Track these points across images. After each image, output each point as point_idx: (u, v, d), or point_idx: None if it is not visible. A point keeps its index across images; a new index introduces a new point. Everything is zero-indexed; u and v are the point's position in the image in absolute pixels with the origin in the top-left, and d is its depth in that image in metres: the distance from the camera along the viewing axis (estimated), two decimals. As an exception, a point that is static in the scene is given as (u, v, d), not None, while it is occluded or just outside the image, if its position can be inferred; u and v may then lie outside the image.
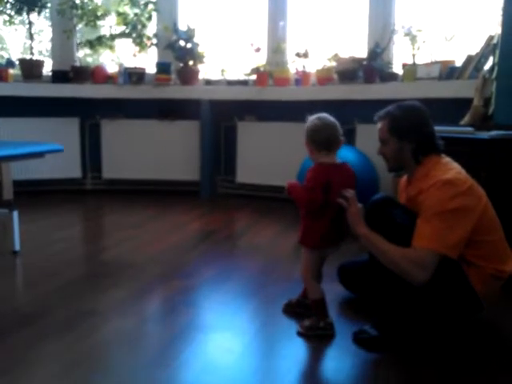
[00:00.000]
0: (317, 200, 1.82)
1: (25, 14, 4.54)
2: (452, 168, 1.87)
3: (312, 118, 1.92)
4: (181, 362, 1.72)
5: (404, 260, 1.77)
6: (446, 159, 1.93)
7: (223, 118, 4.65)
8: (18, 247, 2.86)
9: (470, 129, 2.74)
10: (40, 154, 2.91)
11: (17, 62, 4.59)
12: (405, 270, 1.77)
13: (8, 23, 4.66)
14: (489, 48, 3.24)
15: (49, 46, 5.22)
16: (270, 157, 4.32)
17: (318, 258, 1.94)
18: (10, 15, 4.60)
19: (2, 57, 6.18)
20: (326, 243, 1.91)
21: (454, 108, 3.18)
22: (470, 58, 3.42)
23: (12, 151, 2.76)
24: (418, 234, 1.78)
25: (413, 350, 1.81)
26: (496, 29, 3.18)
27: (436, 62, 3.67)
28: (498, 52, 3.03)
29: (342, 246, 1.98)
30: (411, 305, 1.83)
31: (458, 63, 3.58)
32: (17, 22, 4.72)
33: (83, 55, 4.95)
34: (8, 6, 4.53)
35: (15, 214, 2.86)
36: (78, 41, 4.75)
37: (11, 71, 4.52)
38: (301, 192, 1.85)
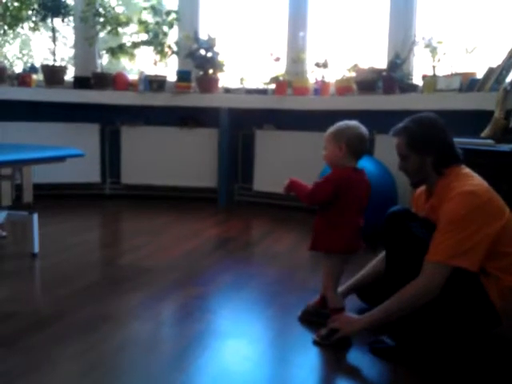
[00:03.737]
0: (319, 196, 1.89)
1: (49, 20, 4.62)
2: (473, 179, 1.87)
3: (355, 125, 1.94)
4: (197, 368, 1.72)
5: (412, 298, 1.78)
6: (467, 170, 1.93)
7: (242, 126, 4.67)
8: (37, 249, 2.89)
9: (490, 141, 2.72)
10: (61, 159, 2.95)
11: (40, 68, 4.67)
12: (420, 302, 1.77)
13: (33, 30, 4.74)
14: (511, 60, 3.22)
15: (71, 52, 5.29)
16: (288, 165, 4.32)
17: (340, 265, 1.95)
18: (34, 22, 4.68)
19: (26, 62, 6.29)
20: (348, 248, 1.92)
21: (475, 120, 3.15)
22: (491, 70, 3.40)
23: (34, 155, 2.80)
24: (434, 245, 1.78)
25: (429, 361, 1.80)
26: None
27: (456, 74, 3.65)
28: (520, 64, 3.01)
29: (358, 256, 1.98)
30: (427, 316, 1.81)
31: (479, 75, 3.55)
32: (41, 28, 4.81)
33: (106, 63, 5.01)
34: (33, 12, 4.61)
35: (35, 216, 2.89)
36: (101, 48, 4.81)
37: (34, 77, 4.60)
38: (305, 187, 1.93)
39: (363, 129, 1.95)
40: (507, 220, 1.83)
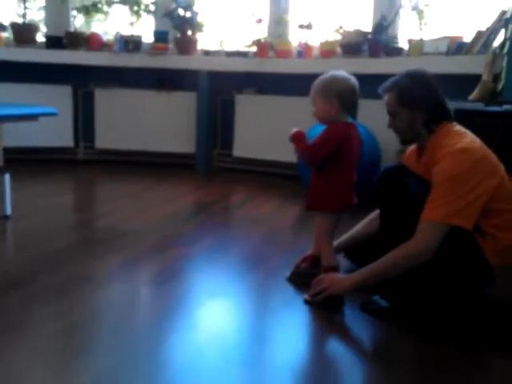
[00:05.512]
0: (320, 156, 1.80)
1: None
2: (465, 136, 1.81)
3: (345, 76, 1.85)
4: (182, 328, 1.64)
5: (406, 259, 1.71)
6: (458, 127, 1.87)
7: (221, 91, 4.53)
8: (9, 211, 2.75)
9: (479, 104, 2.67)
10: (33, 117, 2.80)
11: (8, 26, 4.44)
12: (415, 263, 1.71)
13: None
14: (500, 23, 3.15)
15: (41, 13, 5.05)
16: (269, 131, 4.21)
17: (334, 222, 1.88)
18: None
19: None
20: (345, 205, 1.85)
21: (462, 84, 3.09)
22: (479, 34, 3.33)
23: (5, 111, 2.65)
24: (429, 205, 1.72)
25: (422, 319, 1.75)
26: (509, 3, 3.10)
27: (444, 38, 3.57)
28: (510, 26, 2.95)
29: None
30: (421, 275, 1.75)
31: (467, 39, 3.48)
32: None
33: (80, 24, 4.78)
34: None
35: (7, 176, 2.75)
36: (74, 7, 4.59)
37: (3, 35, 4.37)
38: (306, 146, 1.84)
39: (353, 79, 1.85)
40: (502, 177, 1.78)
